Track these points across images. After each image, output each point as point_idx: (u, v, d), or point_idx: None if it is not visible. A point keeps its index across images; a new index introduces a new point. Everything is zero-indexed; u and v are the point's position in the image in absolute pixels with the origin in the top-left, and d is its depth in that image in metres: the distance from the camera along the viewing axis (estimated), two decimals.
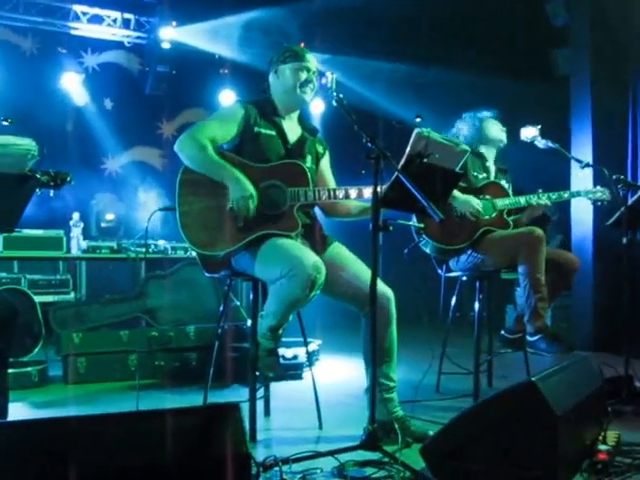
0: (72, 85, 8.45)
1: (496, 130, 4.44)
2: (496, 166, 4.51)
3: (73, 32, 8.60)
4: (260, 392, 3.53)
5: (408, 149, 2.87)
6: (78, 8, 8.46)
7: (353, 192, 3.25)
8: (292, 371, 4.85)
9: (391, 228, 2.78)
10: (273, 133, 3.39)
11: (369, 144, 2.78)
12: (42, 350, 4.95)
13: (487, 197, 4.26)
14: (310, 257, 3.01)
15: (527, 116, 4.73)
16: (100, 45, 9.08)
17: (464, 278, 4.39)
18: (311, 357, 4.54)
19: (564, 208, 6.79)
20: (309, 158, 3.46)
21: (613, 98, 6.55)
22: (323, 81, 3.04)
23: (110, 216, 8.11)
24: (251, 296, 3.48)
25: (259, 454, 2.92)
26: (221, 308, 3.68)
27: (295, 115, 3.53)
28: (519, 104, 7.16)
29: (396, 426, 3.06)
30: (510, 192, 4.38)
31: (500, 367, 4.75)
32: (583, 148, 6.48)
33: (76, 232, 6.71)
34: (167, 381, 4.67)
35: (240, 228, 3.18)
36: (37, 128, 4.62)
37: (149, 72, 9.15)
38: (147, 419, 2.05)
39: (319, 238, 3.40)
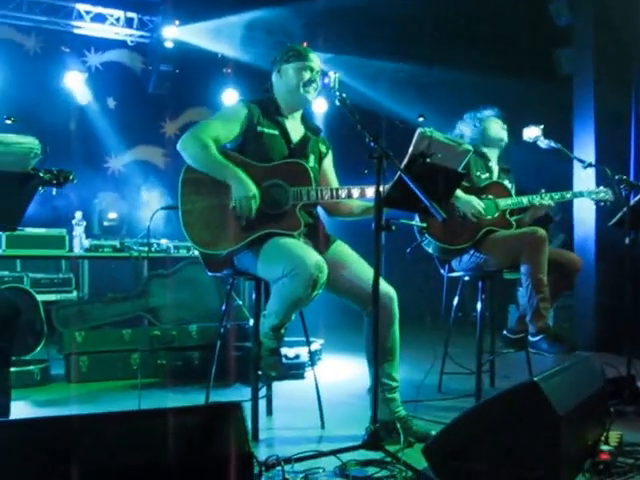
0: (75, 84, 8.45)
1: (497, 129, 4.43)
2: (499, 166, 4.50)
3: (76, 31, 8.61)
4: (262, 391, 3.53)
5: (411, 149, 2.87)
6: (81, 7, 8.47)
7: (356, 192, 3.25)
8: (294, 370, 4.85)
9: (394, 228, 2.78)
10: (276, 132, 3.39)
11: (372, 144, 2.78)
12: (44, 349, 4.95)
13: (490, 197, 4.26)
14: (312, 256, 3.01)
15: (530, 116, 4.72)
16: (103, 44, 9.09)
17: (466, 278, 4.38)
18: (313, 356, 4.55)
19: (566, 208, 6.79)
20: (312, 157, 3.46)
21: (616, 98, 6.54)
22: (326, 80, 3.03)
23: (113, 215, 8.12)
24: (253, 295, 3.48)
25: (261, 453, 2.92)
26: (223, 307, 3.68)
27: (298, 114, 3.53)
28: (522, 104, 7.14)
29: (398, 426, 3.06)
30: (513, 192, 4.38)
31: (502, 367, 4.74)
32: (586, 148, 6.48)
33: (79, 231, 6.70)
34: (169, 380, 4.67)
35: (243, 227, 3.18)
36: (40, 127, 4.63)
37: (152, 71, 9.16)
38: (149, 418, 2.05)
39: (322, 237, 3.40)
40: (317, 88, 3.39)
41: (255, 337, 3.25)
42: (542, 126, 4.33)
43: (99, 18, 8.65)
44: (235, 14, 8.29)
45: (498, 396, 2.49)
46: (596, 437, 2.80)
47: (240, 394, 4.04)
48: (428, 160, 2.82)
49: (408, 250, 3.96)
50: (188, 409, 2.19)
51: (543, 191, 4.27)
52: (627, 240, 3.97)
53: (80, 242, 6.70)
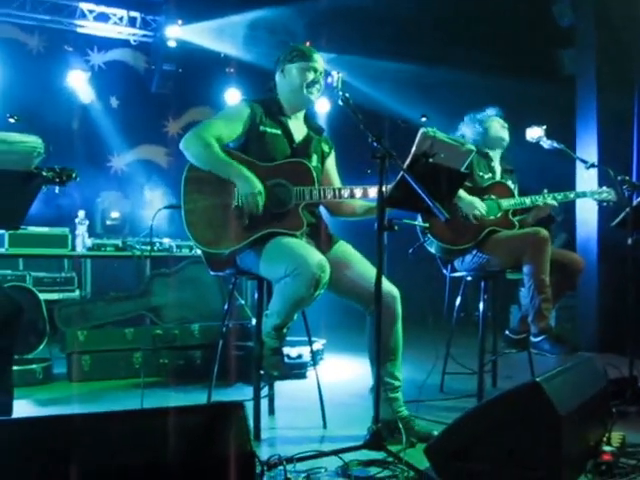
0: (78, 83, 8.46)
1: (498, 129, 4.43)
2: (502, 166, 4.50)
3: (79, 30, 8.61)
4: (264, 391, 3.53)
5: (414, 149, 2.87)
6: (85, 6, 8.47)
7: (358, 191, 3.25)
8: (296, 370, 4.85)
9: (396, 228, 2.78)
10: (279, 132, 3.39)
11: (375, 143, 2.78)
12: (47, 348, 4.96)
13: (492, 197, 4.26)
14: (315, 256, 3.01)
15: (532, 116, 4.71)
16: (106, 43, 9.10)
17: (469, 278, 4.38)
18: (315, 356, 4.55)
19: (569, 208, 6.77)
20: (315, 157, 3.46)
21: (619, 98, 6.53)
22: (329, 80, 3.04)
23: (115, 214, 8.11)
24: (256, 295, 3.48)
25: (263, 453, 2.92)
26: (226, 306, 3.68)
27: (301, 114, 3.53)
28: (524, 104, 7.13)
29: (400, 426, 3.05)
30: (516, 192, 4.38)
31: (504, 367, 4.74)
32: (588, 148, 6.47)
33: (81, 230, 6.70)
34: (171, 379, 4.68)
35: (245, 226, 3.18)
36: (43, 126, 4.62)
37: (155, 70, 9.16)
38: (151, 417, 2.05)
39: (324, 237, 3.40)
40: (320, 89, 3.39)
41: (257, 336, 3.25)
42: (545, 126, 4.33)
43: (102, 17, 8.64)
44: (238, 13, 8.29)
45: (500, 396, 2.49)
46: (598, 438, 2.79)
47: (242, 393, 4.04)
48: (431, 160, 2.82)
49: (411, 250, 3.96)
50: (190, 408, 2.20)
51: (546, 191, 4.27)
52: (630, 241, 3.97)
53: (83, 241, 6.70)
